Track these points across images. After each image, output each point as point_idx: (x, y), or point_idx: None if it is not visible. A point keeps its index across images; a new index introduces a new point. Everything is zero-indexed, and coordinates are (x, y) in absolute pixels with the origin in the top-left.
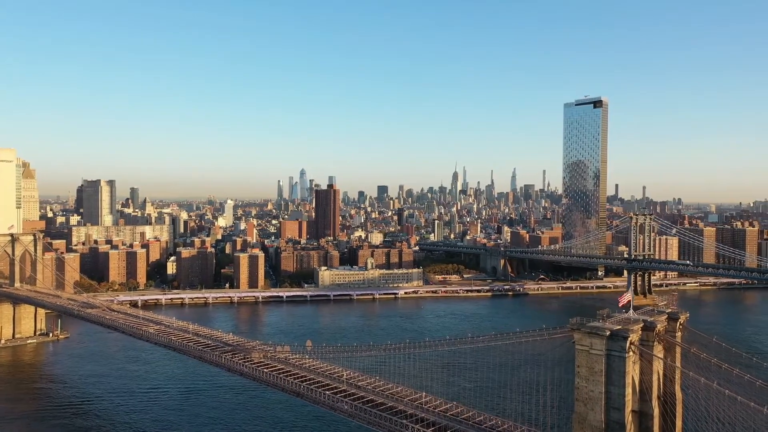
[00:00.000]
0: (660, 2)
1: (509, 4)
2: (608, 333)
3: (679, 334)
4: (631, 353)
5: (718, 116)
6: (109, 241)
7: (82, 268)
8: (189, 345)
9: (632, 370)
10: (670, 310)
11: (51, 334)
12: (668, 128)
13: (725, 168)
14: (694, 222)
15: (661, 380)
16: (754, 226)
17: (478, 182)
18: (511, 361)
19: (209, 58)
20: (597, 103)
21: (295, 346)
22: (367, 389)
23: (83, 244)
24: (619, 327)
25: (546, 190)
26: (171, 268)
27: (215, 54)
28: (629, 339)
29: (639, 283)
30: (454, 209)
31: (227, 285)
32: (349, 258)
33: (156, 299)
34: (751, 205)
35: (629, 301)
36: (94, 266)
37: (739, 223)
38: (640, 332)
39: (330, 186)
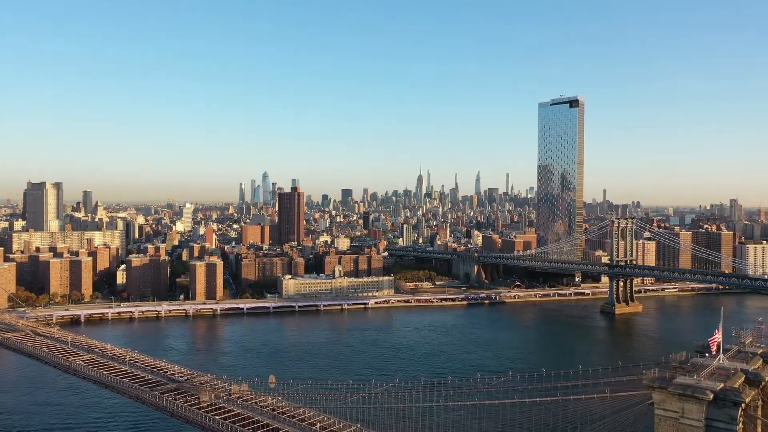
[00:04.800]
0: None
1: (478, 5)
2: (711, 396)
3: None
4: (741, 423)
5: (676, 117)
6: (52, 249)
7: (20, 279)
8: (124, 381)
9: None
10: (762, 351)
11: None
12: (624, 129)
13: (681, 170)
14: (662, 225)
15: None
16: (721, 230)
17: (442, 185)
18: (542, 411)
19: (170, 57)
20: (573, 103)
21: (255, 381)
22: None
23: (22, 252)
24: (723, 385)
25: (509, 193)
26: (121, 277)
27: (176, 52)
28: (741, 405)
29: (621, 289)
30: (419, 212)
31: (182, 296)
32: (315, 265)
33: (101, 313)
34: (708, 207)
35: (719, 344)
36: (34, 276)
37: (707, 226)
38: (748, 389)
39: (294, 189)
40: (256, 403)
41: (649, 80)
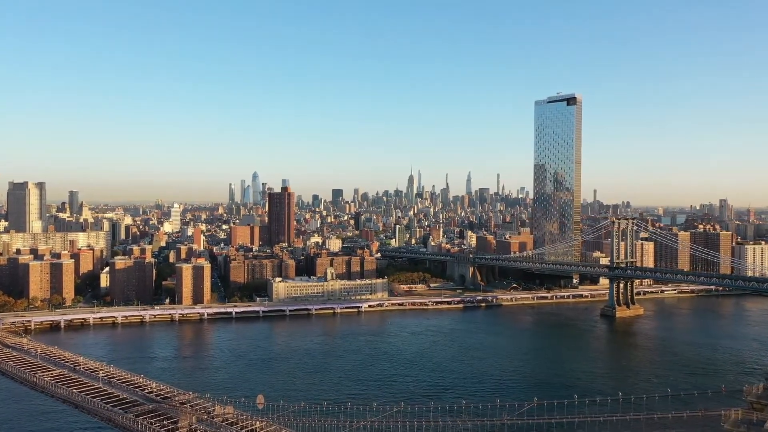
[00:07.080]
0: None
1: (476, 5)
2: None
3: None
4: None
5: (666, 118)
6: (34, 251)
7: None
8: (95, 401)
9: None
10: None
11: None
12: (612, 129)
13: (669, 170)
14: (657, 226)
15: None
16: (716, 230)
17: (433, 186)
18: None
19: (165, 57)
20: (570, 101)
21: (242, 402)
22: None
23: (1, 254)
24: None
25: (500, 193)
26: (104, 280)
27: (172, 53)
28: None
29: (621, 292)
30: (410, 213)
31: (167, 300)
32: (306, 267)
33: (83, 319)
34: (698, 207)
35: None
36: (13, 280)
37: (703, 226)
38: None
39: (284, 189)
40: (241, 427)
41: (640, 80)
